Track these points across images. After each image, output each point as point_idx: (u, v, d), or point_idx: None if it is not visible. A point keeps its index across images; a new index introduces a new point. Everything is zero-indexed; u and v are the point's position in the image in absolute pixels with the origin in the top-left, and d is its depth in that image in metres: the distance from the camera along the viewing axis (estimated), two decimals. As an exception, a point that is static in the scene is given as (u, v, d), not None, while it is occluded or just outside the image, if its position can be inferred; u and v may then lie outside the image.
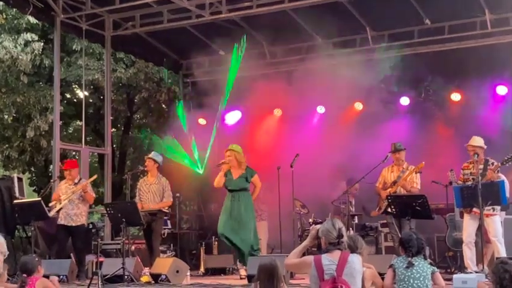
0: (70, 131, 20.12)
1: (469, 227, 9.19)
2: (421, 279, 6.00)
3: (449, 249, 10.72)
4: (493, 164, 9.14)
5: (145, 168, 10.83)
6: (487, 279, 7.39)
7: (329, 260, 5.06)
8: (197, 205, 15.38)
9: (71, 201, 10.46)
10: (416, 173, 10.04)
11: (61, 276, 9.26)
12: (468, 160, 9.45)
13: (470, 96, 12.38)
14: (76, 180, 10.66)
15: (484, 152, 9.35)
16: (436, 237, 11.43)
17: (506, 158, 9.01)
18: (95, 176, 11.44)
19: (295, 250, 5.44)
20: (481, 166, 9.19)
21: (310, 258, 5.19)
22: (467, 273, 8.73)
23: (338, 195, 11.63)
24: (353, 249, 5.68)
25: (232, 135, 13.43)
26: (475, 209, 8.94)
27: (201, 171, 14.20)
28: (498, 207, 9.10)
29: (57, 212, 10.45)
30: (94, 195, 10.91)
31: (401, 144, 10.34)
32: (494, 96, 12.35)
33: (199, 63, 15.04)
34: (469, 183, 9.16)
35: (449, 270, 10.21)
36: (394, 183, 10.07)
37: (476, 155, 9.16)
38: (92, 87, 18.44)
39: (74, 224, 10.46)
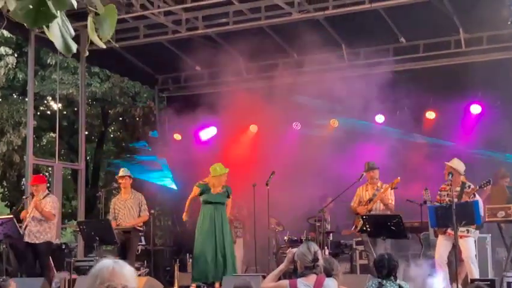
0: (43, 143, 19.92)
1: (441, 247, 9.20)
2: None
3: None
4: (469, 187, 9.14)
5: (121, 186, 10.72)
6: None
7: (305, 284, 5.04)
8: (171, 221, 15.26)
9: (33, 218, 10.25)
10: (391, 188, 10.08)
11: (33, 295, 9.10)
12: (444, 182, 9.45)
13: (445, 114, 12.45)
14: (41, 196, 10.40)
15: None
16: (411, 255, 11.44)
17: (484, 182, 9.02)
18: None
19: (271, 274, 5.42)
20: (458, 188, 9.21)
21: (285, 282, 5.17)
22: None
23: (314, 212, 11.60)
24: (329, 271, 5.66)
25: (207, 151, 13.37)
26: (449, 230, 8.96)
27: (175, 187, 14.11)
28: (472, 229, 9.14)
29: (24, 229, 10.25)
30: (54, 211, 10.39)
31: (375, 163, 10.38)
32: (469, 115, 12.43)
33: (174, 78, 15.00)
34: (444, 204, 9.18)
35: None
36: (370, 201, 10.09)
37: (450, 174, 9.19)
38: (66, 100, 18.28)
39: (37, 241, 10.25)
